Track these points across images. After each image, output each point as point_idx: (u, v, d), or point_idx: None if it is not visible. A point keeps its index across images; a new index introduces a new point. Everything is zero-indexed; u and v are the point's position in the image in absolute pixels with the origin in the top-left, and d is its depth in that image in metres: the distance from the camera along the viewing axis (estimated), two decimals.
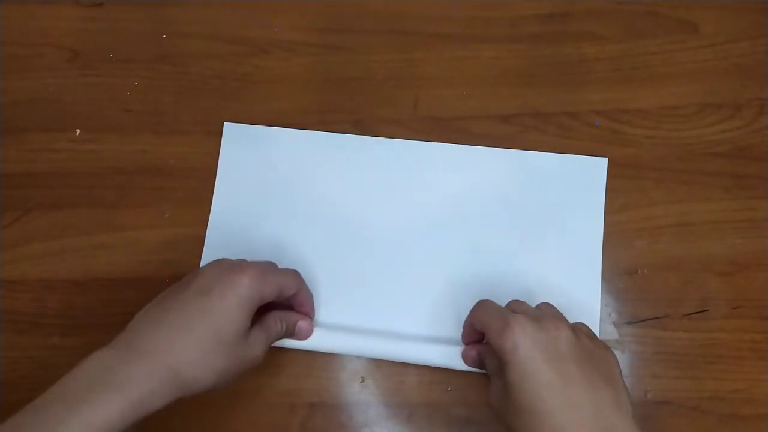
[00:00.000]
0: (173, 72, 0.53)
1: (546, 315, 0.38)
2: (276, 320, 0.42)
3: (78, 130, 0.52)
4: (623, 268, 0.47)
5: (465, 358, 0.44)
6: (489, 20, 0.52)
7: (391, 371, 0.47)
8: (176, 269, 0.47)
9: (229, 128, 0.51)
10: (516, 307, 0.40)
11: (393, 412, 0.46)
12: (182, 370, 0.35)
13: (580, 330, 0.38)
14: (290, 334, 0.44)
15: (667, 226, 0.48)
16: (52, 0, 0.54)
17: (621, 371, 0.37)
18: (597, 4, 0.52)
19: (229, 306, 0.37)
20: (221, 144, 0.51)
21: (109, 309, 0.48)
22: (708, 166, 0.49)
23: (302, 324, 0.44)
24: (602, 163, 0.49)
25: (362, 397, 0.46)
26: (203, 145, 0.51)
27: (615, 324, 0.47)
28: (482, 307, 0.41)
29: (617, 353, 0.46)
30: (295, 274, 0.43)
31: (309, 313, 0.45)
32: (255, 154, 0.50)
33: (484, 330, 0.39)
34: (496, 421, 0.39)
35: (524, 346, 0.36)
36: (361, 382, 0.47)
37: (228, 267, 0.39)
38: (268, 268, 0.41)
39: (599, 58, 0.51)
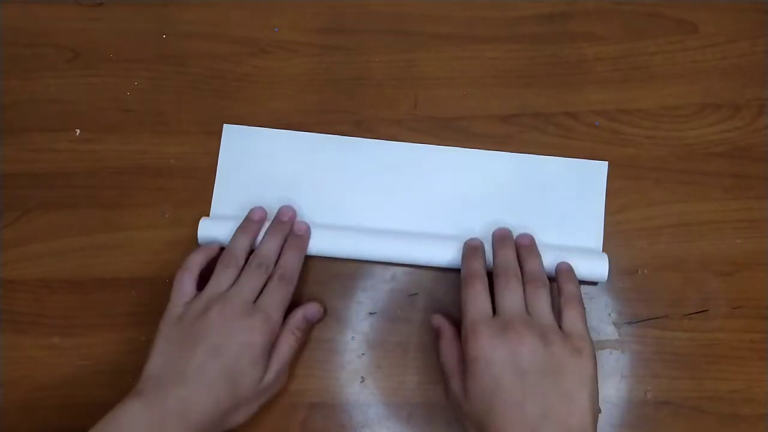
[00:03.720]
0: (173, 72, 0.53)
1: (514, 323, 0.39)
2: (286, 339, 0.44)
3: (78, 130, 0.52)
4: (623, 268, 0.47)
5: (433, 324, 0.45)
6: (489, 20, 0.52)
7: (391, 371, 0.47)
8: (176, 269, 0.47)
9: (228, 130, 0.51)
10: (501, 289, 0.41)
11: (393, 412, 0.46)
12: (206, 424, 0.39)
13: (551, 337, 0.39)
14: (309, 325, 0.46)
15: (667, 226, 0.48)
16: (52, 0, 0.54)
17: (593, 376, 0.38)
18: (597, 4, 0.52)
19: (245, 365, 0.40)
20: (221, 145, 0.51)
21: (109, 309, 0.48)
22: (708, 166, 0.49)
23: (310, 311, 0.46)
24: (602, 166, 0.49)
25: (362, 397, 0.46)
26: (203, 145, 0.51)
27: (615, 324, 0.47)
28: (467, 288, 0.42)
29: (617, 353, 0.46)
30: (288, 291, 0.44)
31: None
32: (254, 156, 0.50)
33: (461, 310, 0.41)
34: (454, 408, 0.41)
35: (484, 360, 0.38)
36: (361, 382, 0.47)
37: (237, 320, 0.41)
38: (272, 313, 0.42)
39: (599, 58, 0.51)
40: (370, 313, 0.48)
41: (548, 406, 0.36)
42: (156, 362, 0.40)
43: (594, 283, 0.47)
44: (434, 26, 0.53)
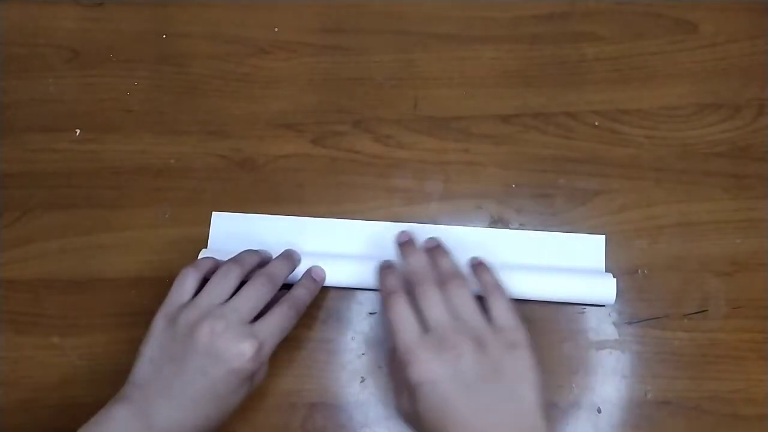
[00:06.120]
0: (173, 72, 0.53)
1: (447, 336, 0.38)
2: None
3: (78, 130, 0.52)
4: (623, 268, 0.47)
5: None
6: (489, 20, 0.52)
7: None
8: (176, 269, 0.47)
9: (216, 217, 0.49)
10: (422, 300, 0.39)
11: (393, 412, 0.46)
12: None
13: (484, 338, 0.38)
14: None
15: (667, 226, 0.48)
16: (52, 0, 0.54)
17: (532, 366, 0.37)
18: (597, 4, 0.52)
19: (233, 387, 0.39)
20: (210, 232, 0.49)
21: (109, 309, 0.48)
22: (708, 166, 0.49)
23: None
24: (600, 240, 0.47)
25: (362, 397, 0.46)
26: (203, 145, 0.51)
27: (615, 324, 0.47)
28: (390, 309, 0.39)
29: (617, 353, 0.46)
30: (289, 314, 0.42)
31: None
32: (242, 240, 0.48)
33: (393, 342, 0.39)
34: (405, 422, 0.40)
35: (428, 383, 0.37)
36: (361, 382, 0.47)
37: (228, 341, 0.39)
38: (266, 343, 0.40)
39: (599, 58, 0.51)
40: (370, 313, 0.48)
41: (495, 413, 0.36)
42: (144, 369, 0.40)
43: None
44: (434, 26, 0.53)
